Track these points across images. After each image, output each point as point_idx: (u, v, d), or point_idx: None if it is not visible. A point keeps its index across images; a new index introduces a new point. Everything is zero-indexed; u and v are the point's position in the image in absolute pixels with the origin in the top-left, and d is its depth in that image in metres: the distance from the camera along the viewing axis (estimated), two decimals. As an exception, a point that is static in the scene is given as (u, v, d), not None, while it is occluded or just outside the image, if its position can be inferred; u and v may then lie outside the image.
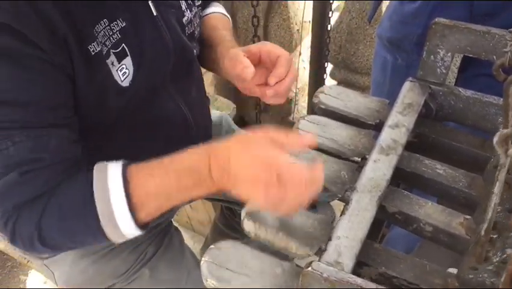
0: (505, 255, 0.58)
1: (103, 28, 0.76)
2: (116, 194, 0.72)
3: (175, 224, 1.20)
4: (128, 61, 0.80)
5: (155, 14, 0.85)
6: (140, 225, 0.74)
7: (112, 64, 0.78)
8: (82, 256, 1.02)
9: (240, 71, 0.84)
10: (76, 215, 0.74)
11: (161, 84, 0.91)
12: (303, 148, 0.76)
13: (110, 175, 0.73)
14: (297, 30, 2.15)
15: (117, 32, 0.78)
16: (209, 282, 0.65)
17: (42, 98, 0.71)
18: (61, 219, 0.74)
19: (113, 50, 0.78)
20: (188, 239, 1.19)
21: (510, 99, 0.56)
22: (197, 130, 0.99)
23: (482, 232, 0.57)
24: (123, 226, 0.73)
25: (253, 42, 1.97)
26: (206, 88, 1.14)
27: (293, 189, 0.65)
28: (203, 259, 0.67)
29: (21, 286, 1.82)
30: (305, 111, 2.37)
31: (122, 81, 0.80)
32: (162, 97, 0.92)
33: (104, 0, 0.76)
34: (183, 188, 0.74)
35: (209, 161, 0.71)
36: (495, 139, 0.45)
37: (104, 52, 0.77)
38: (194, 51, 0.98)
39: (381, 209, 0.71)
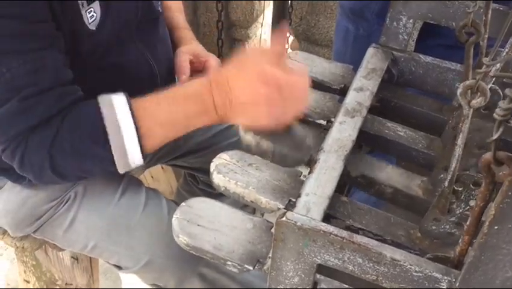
0: (467, 207, 0.61)
1: None
2: (126, 125, 0.75)
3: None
4: (96, 5, 0.83)
5: None
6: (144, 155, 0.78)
7: (82, 5, 0.80)
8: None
9: (179, 75, 1.00)
10: (87, 145, 0.76)
11: (128, 37, 0.93)
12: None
13: (117, 107, 0.76)
14: (259, 0, 2.15)
15: None
16: (181, 238, 0.66)
17: (33, 18, 0.73)
18: (72, 148, 0.76)
19: None
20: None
21: (470, 60, 0.58)
22: (162, 80, 1.01)
23: (446, 183, 0.60)
24: (131, 156, 0.77)
25: (217, 10, 1.96)
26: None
27: (295, 99, 0.74)
28: (174, 216, 0.67)
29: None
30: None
31: (90, 24, 0.82)
32: (129, 49, 0.95)
33: None
34: (188, 115, 0.78)
35: (211, 87, 0.76)
36: (459, 90, 0.47)
37: None
38: (159, 9, 1.01)
39: (344, 172, 0.73)
